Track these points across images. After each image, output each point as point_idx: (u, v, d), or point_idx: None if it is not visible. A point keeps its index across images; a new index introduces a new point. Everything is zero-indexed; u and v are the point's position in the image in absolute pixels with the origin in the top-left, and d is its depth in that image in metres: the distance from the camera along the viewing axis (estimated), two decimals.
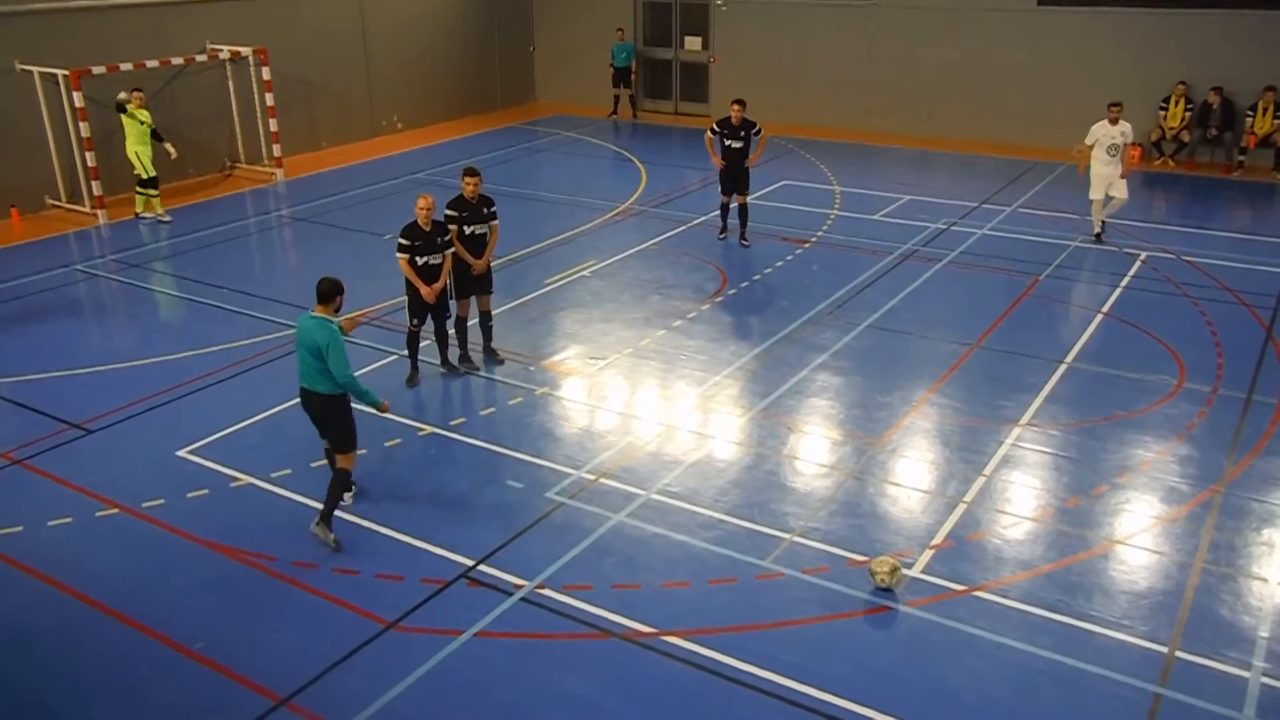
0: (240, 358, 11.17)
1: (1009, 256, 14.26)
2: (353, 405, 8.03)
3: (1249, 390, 10.23)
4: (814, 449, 9.36)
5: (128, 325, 12.60)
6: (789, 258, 14.24)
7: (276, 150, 18.85)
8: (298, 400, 10.06)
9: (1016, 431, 9.48)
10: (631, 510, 8.31)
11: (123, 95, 15.83)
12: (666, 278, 13.58)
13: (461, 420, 9.80)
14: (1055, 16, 19.95)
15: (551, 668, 6.65)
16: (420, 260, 10.04)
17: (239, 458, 9.14)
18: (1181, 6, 18.79)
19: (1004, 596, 7.24)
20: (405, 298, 10.41)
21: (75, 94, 15.63)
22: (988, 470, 8.84)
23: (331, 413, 7.92)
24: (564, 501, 8.46)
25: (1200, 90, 18.63)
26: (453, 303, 10.62)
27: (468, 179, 10.43)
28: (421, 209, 9.87)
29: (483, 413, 9.97)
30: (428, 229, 10.00)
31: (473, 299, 10.78)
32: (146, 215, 16.27)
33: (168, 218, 16.29)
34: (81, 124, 15.88)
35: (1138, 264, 13.81)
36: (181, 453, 9.25)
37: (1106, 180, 14.27)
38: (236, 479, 8.83)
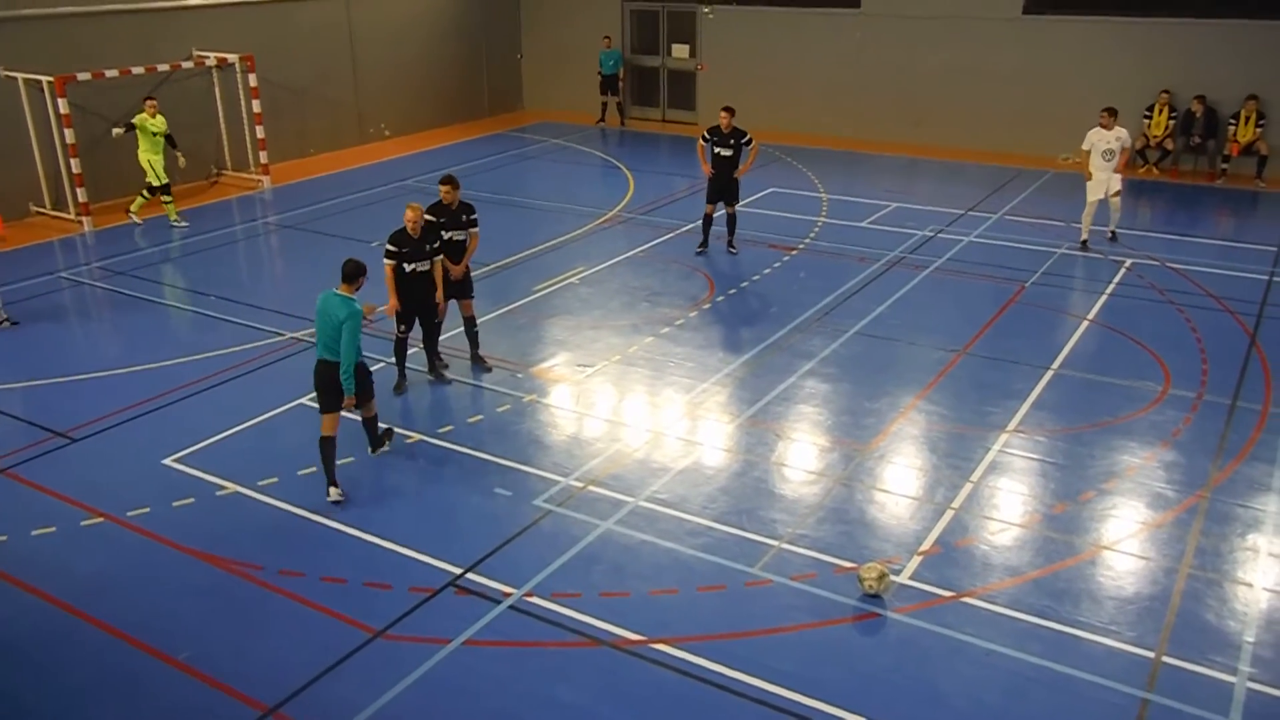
0: (226, 365, 11.12)
1: (996, 263, 14.32)
2: (367, 367, 8.74)
3: (1233, 396, 10.29)
4: (802, 456, 9.37)
5: (113, 333, 12.54)
6: (776, 265, 14.27)
7: (263, 157, 18.80)
8: (285, 408, 10.15)
9: (1004, 438, 9.51)
10: (620, 518, 8.30)
11: (136, 119, 15.79)
12: (654, 285, 13.59)
13: (449, 428, 9.78)
14: (1040, 25, 20.06)
15: (540, 676, 6.63)
16: (408, 267, 10.04)
17: (225, 466, 9.10)
18: (1165, 16, 18.92)
19: (992, 602, 7.26)
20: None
21: (60, 100, 15.55)
22: (975, 477, 8.87)
23: (334, 380, 8.40)
24: (552, 509, 8.44)
25: (1184, 99, 18.76)
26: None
27: (446, 186, 10.55)
28: (410, 220, 9.89)
29: (470, 420, 9.95)
30: (416, 236, 10.00)
31: (452, 304, 10.80)
32: (139, 219, 16.24)
33: (184, 222, 16.35)
34: (66, 130, 15.80)
35: (1123, 271, 13.89)
36: (167, 461, 9.21)
37: (1104, 184, 14.55)
38: (223, 487, 8.78)
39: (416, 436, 9.62)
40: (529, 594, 7.37)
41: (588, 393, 10.58)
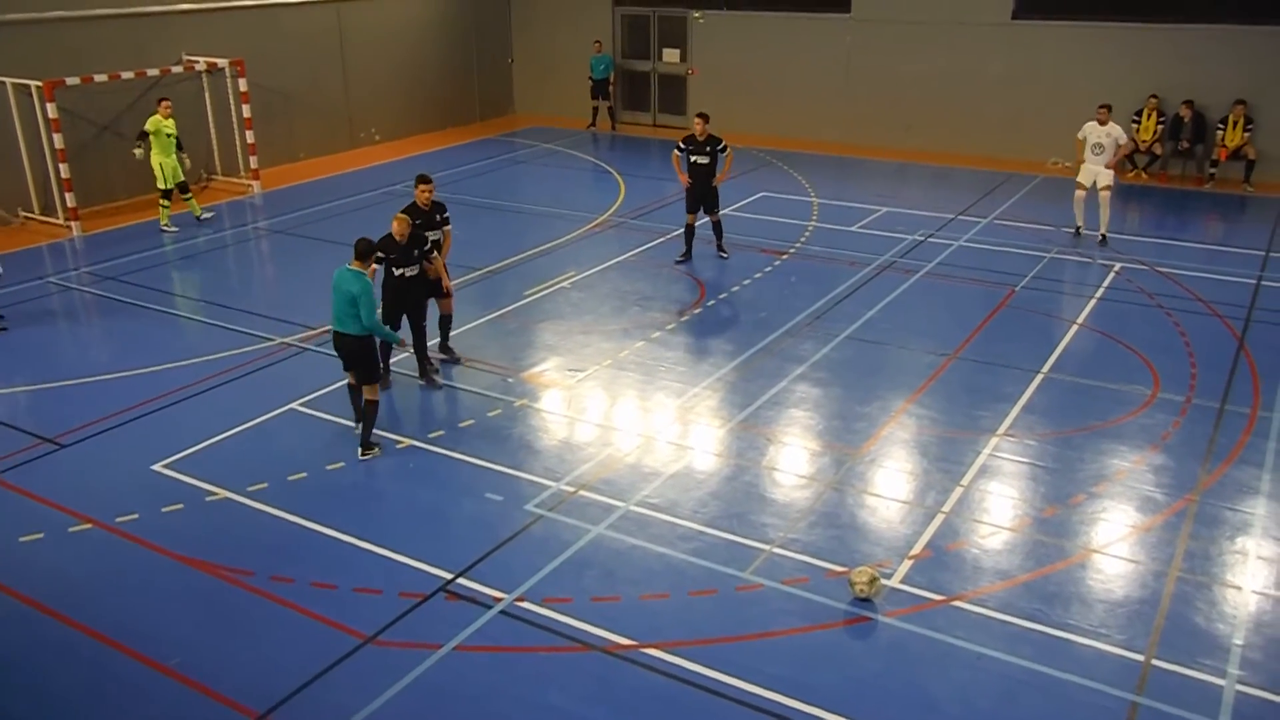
0: (216, 371, 11.09)
1: (986, 267, 14.36)
2: (376, 345, 9.39)
3: (1222, 400, 10.34)
4: (793, 460, 9.38)
5: (102, 338, 12.49)
6: (767, 269, 14.29)
7: (253, 162, 18.76)
8: (275, 413, 10.14)
9: (994, 442, 9.54)
10: (611, 522, 8.29)
11: (149, 124, 15.77)
12: (645, 289, 13.59)
13: (440, 433, 9.77)
14: (1030, 30, 20.15)
15: (532, 681, 6.62)
16: (397, 271, 10.14)
17: (215, 471, 9.07)
18: (1154, 21, 19.02)
19: (983, 606, 7.27)
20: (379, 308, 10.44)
21: (49, 105, 15.51)
22: (966, 480, 8.89)
23: (359, 351, 9.19)
24: (543, 514, 8.43)
25: (1172, 103, 18.86)
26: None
27: (421, 186, 10.77)
28: (398, 233, 10.00)
29: (461, 425, 9.94)
30: (404, 242, 10.08)
31: (431, 302, 10.92)
32: (167, 221, 16.23)
33: (208, 214, 16.55)
34: (55, 135, 15.75)
35: (1112, 275, 13.94)
36: (157, 467, 9.17)
37: (1092, 174, 15.16)
38: (213, 493, 8.75)
39: (407, 441, 9.60)
40: (520, 599, 7.35)
41: (579, 397, 10.58)
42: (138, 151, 15.87)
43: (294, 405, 10.27)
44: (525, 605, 7.29)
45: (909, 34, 21.16)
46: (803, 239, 15.63)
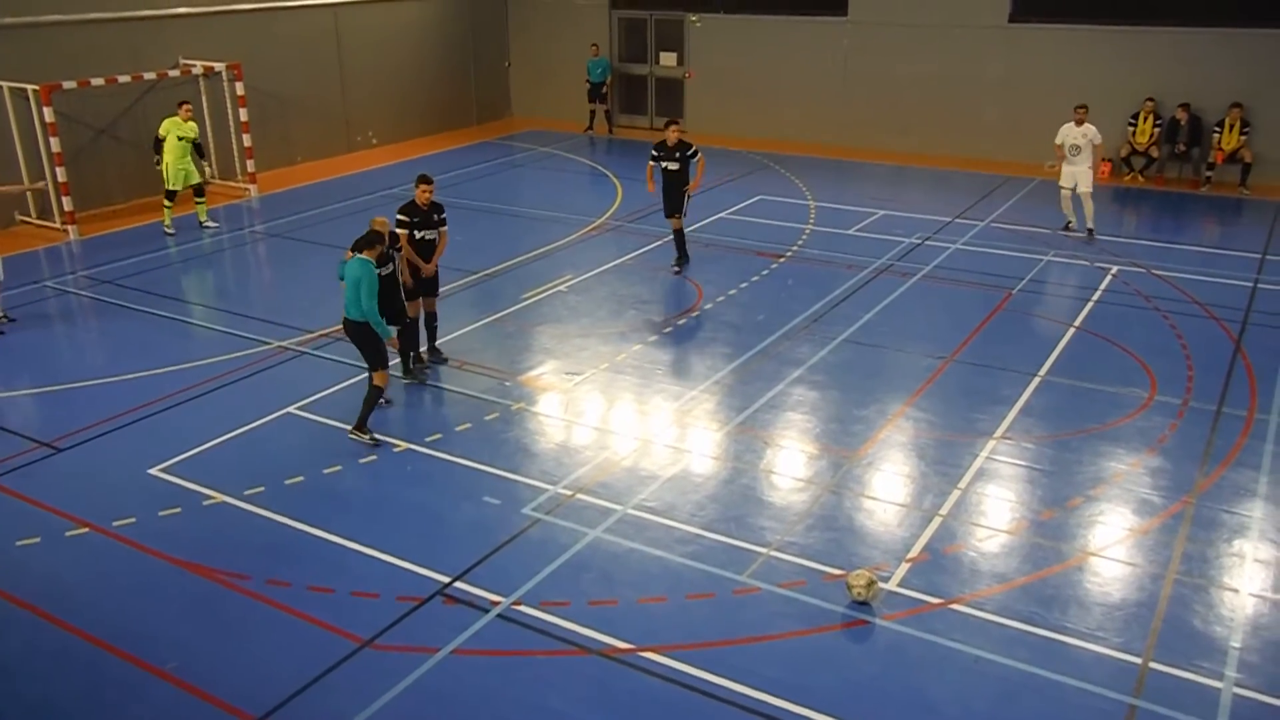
0: (213, 375, 11.08)
1: (983, 271, 14.38)
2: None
3: (1219, 403, 10.35)
4: (790, 463, 9.38)
5: (99, 342, 12.48)
6: (764, 272, 14.29)
7: (250, 166, 18.76)
8: (272, 417, 10.14)
9: (991, 445, 9.54)
10: (608, 526, 8.29)
11: (163, 127, 15.77)
12: (643, 293, 13.59)
13: (437, 436, 9.76)
14: (1027, 34, 20.18)
15: (529, 684, 6.61)
16: (382, 271, 10.19)
17: (212, 475, 9.06)
18: (1150, 24, 19.05)
19: (980, 609, 7.27)
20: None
21: (46, 109, 15.49)
22: (963, 483, 8.89)
23: (362, 335, 9.49)
24: (540, 517, 8.43)
25: (1169, 107, 18.89)
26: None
27: (423, 186, 10.85)
28: (381, 225, 10.06)
29: (459, 428, 9.93)
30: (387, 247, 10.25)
31: (419, 300, 11.05)
32: (169, 224, 16.23)
33: (213, 223, 16.53)
34: (52, 139, 15.74)
35: (1109, 278, 13.96)
36: (153, 471, 9.16)
37: (1072, 175, 15.64)
38: (209, 497, 8.74)
39: (405, 445, 9.59)
40: (517, 603, 7.35)
41: (576, 401, 10.58)
42: (158, 159, 15.85)
43: (291, 409, 10.26)
44: (523, 609, 7.29)
45: (906, 37, 21.18)
46: (800, 242, 15.64)
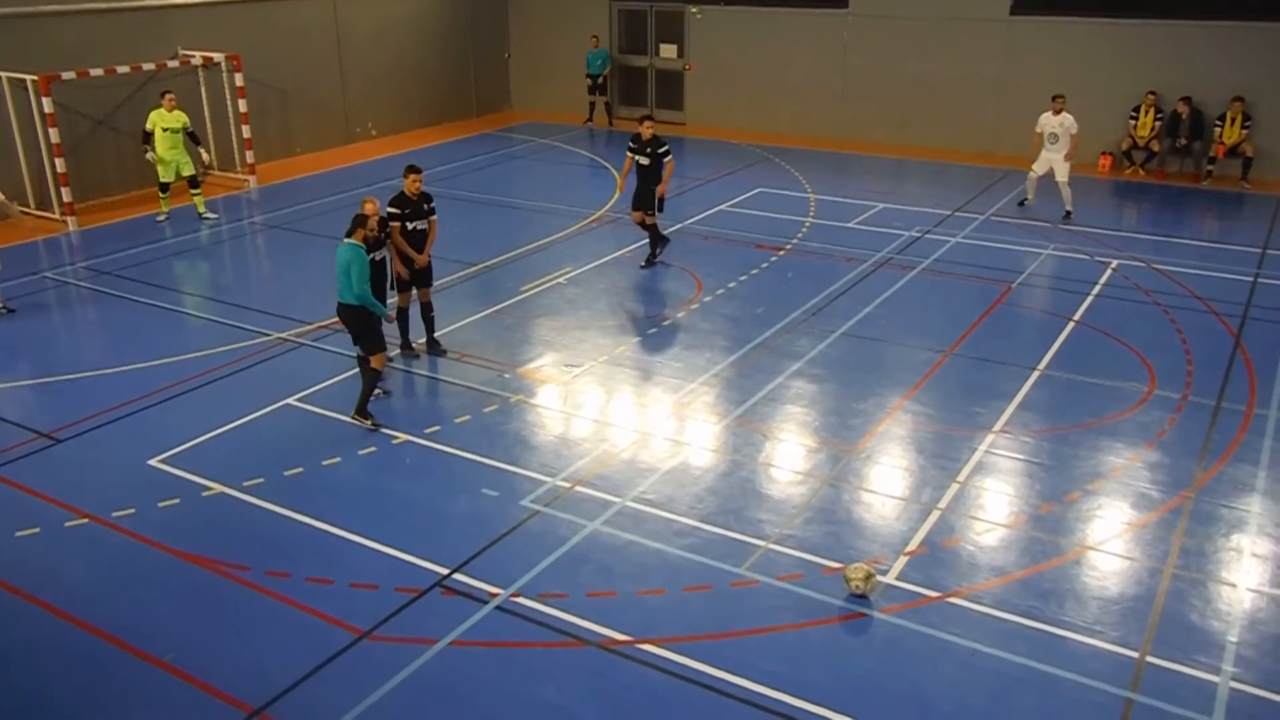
0: (212, 366, 11.07)
1: (982, 264, 14.37)
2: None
3: (1218, 397, 10.35)
4: (789, 456, 9.38)
5: (98, 333, 12.48)
6: (764, 265, 14.29)
7: (250, 157, 18.73)
8: (271, 408, 10.14)
9: (990, 438, 9.54)
10: (607, 518, 8.30)
11: (150, 120, 15.74)
12: (642, 285, 13.59)
13: (436, 428, 9.76)
14: (1027, 27, 20.14)
15: (527, 676, 6.63)
16: (375, 256, 10.32)
17: (211, 466, 9.06)
18: (1152, 17, 19.01)
19: (978, 603, 7.28)
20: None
21: (45, 100, 15.47)
22: (961, 477, 8.89)
23: (357, 321, 9.65)
24: (539, 509, 8.43)
25: (1170, 100, 18.86)
26: (394, 294, 10.99)
27: (412, 176, 10.85)
28: (372, 214, 10.12)
29: (457, 420, 9.93)
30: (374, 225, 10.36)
31: (413, 291, 11.15)
32: (164, 215, 16.25)
33: (212, 214, 16.43)
34: (51, 130, 15.71)
35: (1109, 272, 13.95)
36: (152, 462, 9.16)
37: (1047, 162, 16.25)
38: (208, 488, 8.75)
39: (403, 437, 9.59)
40: (516, 594, 7.36)
41: (575, 393, 10.58)
42: (150, 155, 15.83)
43: (290, 400, 10.26)
44: (521, 601, 7.30)
45: (906, 30, 21.14)
46: (799, 235, 15.63)
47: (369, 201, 10.11)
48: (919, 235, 15.58)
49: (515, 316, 12.53)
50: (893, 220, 16.34)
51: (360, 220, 9.68)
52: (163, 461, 9.17)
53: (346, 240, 9.62)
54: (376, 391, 10.04)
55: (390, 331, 11.32)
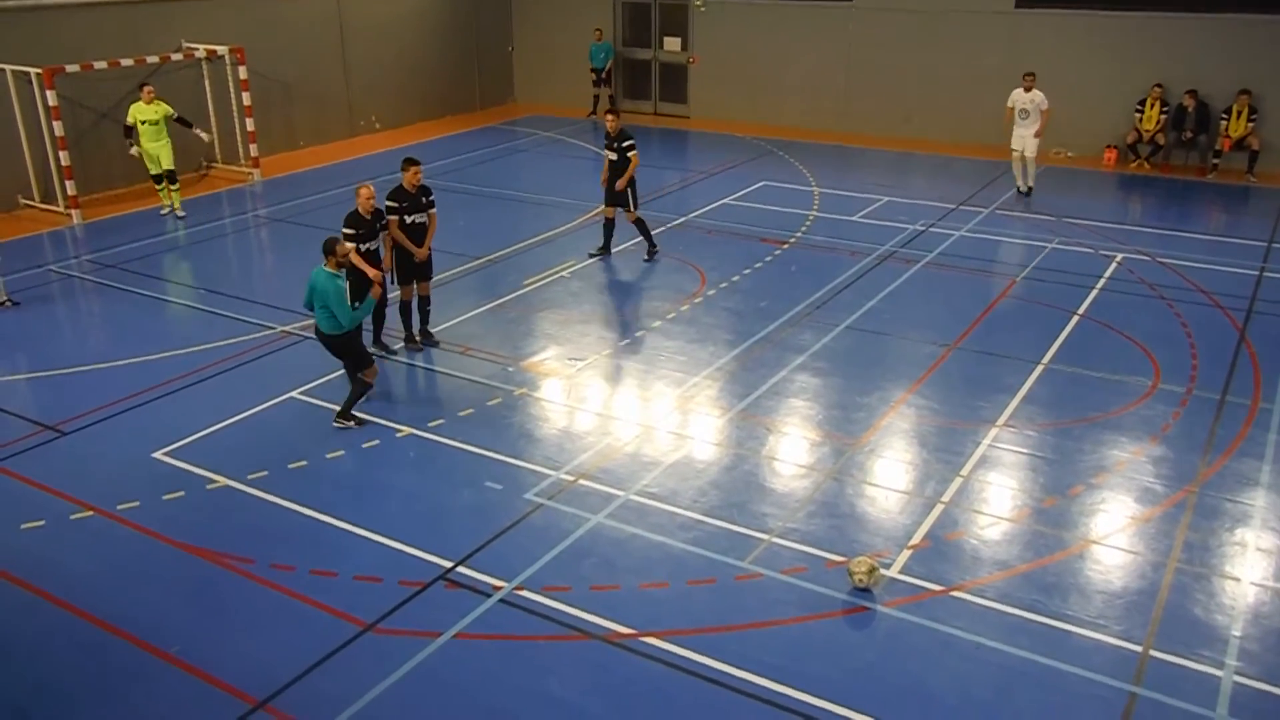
0: (217, 359, 11.09)
1: (986, 258, 14.35)
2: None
3: (1223, 391, 10.33)
4: (792, 450, 9.38)
5: (103, 326, 12.49)
6: (768, 259, 14.27)
7: (253, 150, 18.73)
8: (275, 401, 10.14)
9: (994, 432, 9.54)
10: (610, 511, 8.30)
11: (130, 115, 15.69)
12: (645, 278, 13.58)
13: (440, 421, 9.77)
14: (1033, 19, 20.07)
15: (531, 669, 6.64)
16: (362, 247, 10.40)
17: (216, 459, 9.08)
18: (1158, 10, 18.94)
19: (981, 596, 7.28)
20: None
21: (49, 93, 15.47)
22: (965, 471, 8.89)
23: (340, 346, 9.48)
24: (543, 503, 8.44)
25: (1176, 93, 18.80)
26: (395, 288, 11.06)
27: (411, 168, 10.85)
28: (365, 199, 10.31)
29: (461, 414, 9.94)
30: (369, 217, 10.40)
31: (413, 284, 11.18)
32: (167, 207, 16.22)
33: (182, 213, 16.23)
34: (55, 123, 15.71)
35: (1113, 266, 13.92)
36: (157, 455, 9.18)
37: (1020, 138, 16.91)
38: (213, 481, 8.76)
39: (407, 430, 9.60)
40: (519, 588, 7.37)
41: (578, 386, 10.58)
42: (134, 150, 15.81)
43: (294, 394, 10.28)
44: (524, 594, 7.31)
45: (911, 23, 21.08)
46: (803, 228, 15.61)
47: (363, 187, 10.26)
48: (923, 229, 15.55)
49: (518, 310, 12.53)
50: (897, 214, 16.31)
51: (330, 246, 9.29)
52: (167, 454, 9.19)
53: (325, 268, 9.27)
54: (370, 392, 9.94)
55: (394, 326, 11.36)
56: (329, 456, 9.12)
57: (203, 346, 11.38)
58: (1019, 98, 16.86)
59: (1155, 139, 18.96)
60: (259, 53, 19.03)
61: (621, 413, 10.04)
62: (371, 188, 10.38)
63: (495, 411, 9.99)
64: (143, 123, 15.58)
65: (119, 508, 8.37)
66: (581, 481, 8.74)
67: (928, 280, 13.50)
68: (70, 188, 16.02)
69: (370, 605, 7.18)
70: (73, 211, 16.10)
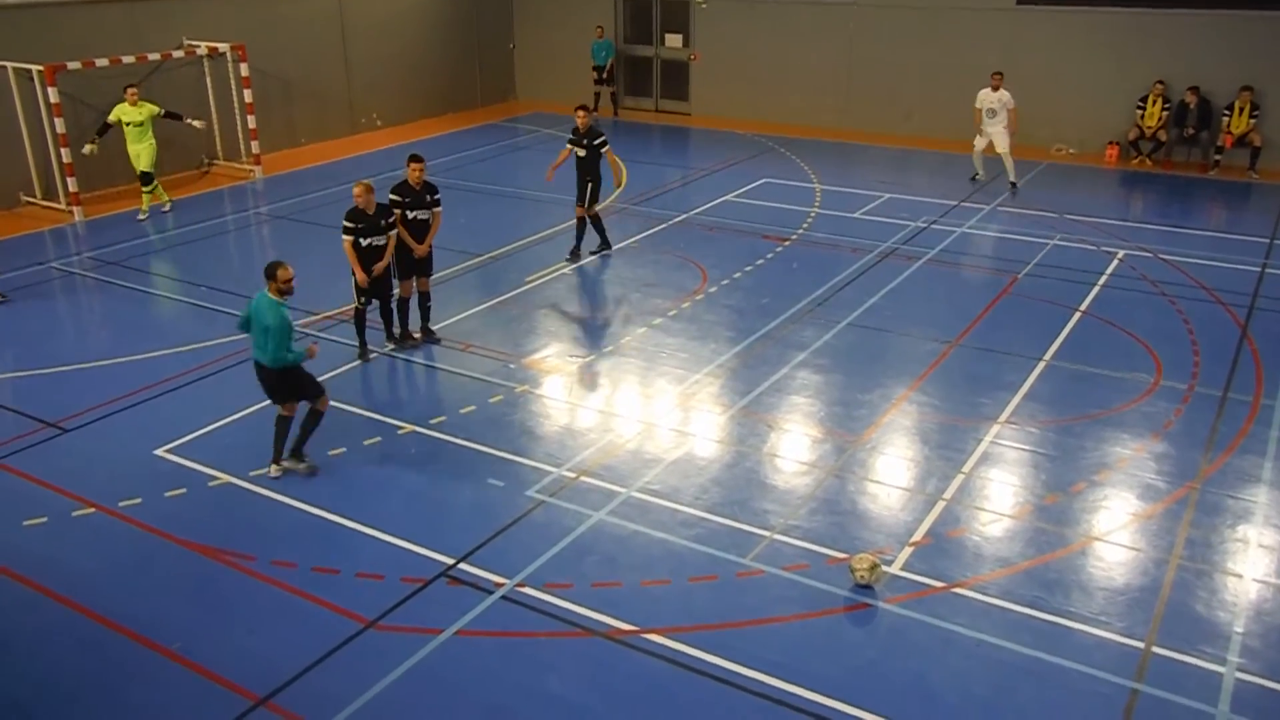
0: (218, 356, 11.08)
1: (988, 255, 14.33)
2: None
3: (1224, 388, 10.32)
4: (794, 447, 9.38)
5: (104, 323, 12.50)
6: (769, 256, 14.26)
7: (255, 147, 18.73)
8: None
9: (995, 429, 9.53)
10: (612, 508, 8.30)
11: (112, 115, 15.61)
12: (647, 275, 13.57)
13: (441, 418, 9.77)
14: (1034, 16, 20.04)
15: (532, 666, 6.64)
16: (364, 242, 10.41)
17: (217, 457, 9.08)
18: (1159, 6, 18.91)
19: (983, 593, 7.28)
20: (352, 279, 10.69)
21: (50, 90, 15.47)
22: (967, 468, 8.88)
23: (283, 379, 8.52)
24: (544, 499, 8.44)
25: (1177, 90, 18.78)
26: (396, 282, 11.03)
27: (412, 165, 10.88)
28: (358, 195, 10.28)
29: (462, 411, 9.94)
30: (370, 212, 10.35)
31: (413, 280, 11.20)
32: (160, 206, 16.18)
33: (143, 217, 16.06)
34: (57, 120, 15.72)
35: (1115, 262, 13.91)
36: (159, 452, 9.18)
37: (987, 136, 17.30)
38: (215, 478, 8.76)
39: (409, 427, 9.60)
40: (521, 584, 7.37)
41: (580, 383, 10.58)
42: (87, 149, 15.67)
43: None
44: (526, 590, 7.31)
45: (912, 20, 21.06)
46: (805, 225, 15.60)
47: (360, 184, 10.24)
48: (925, 226, 15.54)
49: (520, 307, 12.52)
50: (898, 210, 16.30)
51: (272, 270, 8.42)
52: (169, 451, 9.19)
53: (268, 294, 8.39)
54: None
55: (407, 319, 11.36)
56: (331, 454, 9.12)
57: (204, 344, 11.38)
58: (987, 97, 17.09)
59: (1157, 135, 18.95)
60: (260, 50, 19.03)
61: (623, 410, 10.04)
62: (367, 184, 10.33)
63: (497, 408, 9.98)
64: (127, 124, 15.52)
65: (120, 505, 8.37)
66: (583, 478, 8.74)
67: (929, 277, 13.49)
68: (72, 185, 16.03)
69: (372, 602, 7.18)
70: (74, 209, 16.11)
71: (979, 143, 17.52)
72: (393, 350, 11.08)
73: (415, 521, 8.14)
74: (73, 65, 15.83)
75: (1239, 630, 6.91)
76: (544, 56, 25.49)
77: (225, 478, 8.76)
